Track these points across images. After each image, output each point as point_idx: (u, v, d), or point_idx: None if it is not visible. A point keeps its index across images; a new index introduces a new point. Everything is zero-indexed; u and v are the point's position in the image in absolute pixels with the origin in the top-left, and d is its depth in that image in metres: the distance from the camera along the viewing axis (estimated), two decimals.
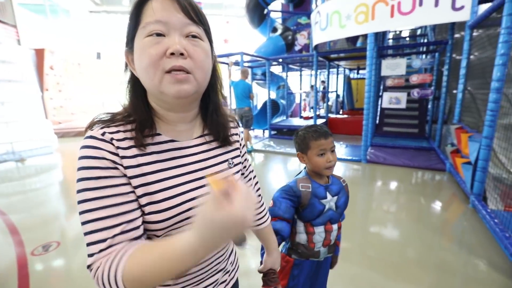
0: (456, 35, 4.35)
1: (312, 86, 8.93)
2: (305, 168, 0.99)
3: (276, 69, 9.06)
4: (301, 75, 9.14)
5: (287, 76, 7.94)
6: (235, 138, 0.64)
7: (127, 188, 0.45)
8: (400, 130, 5.83)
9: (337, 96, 9.67)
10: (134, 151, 0.46)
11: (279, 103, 7.40)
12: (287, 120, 7.74)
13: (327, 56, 6.10)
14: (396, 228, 2.30)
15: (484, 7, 3.81)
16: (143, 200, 0.46)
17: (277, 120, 7.55)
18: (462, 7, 3.08)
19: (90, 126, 0.47)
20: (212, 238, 0.35)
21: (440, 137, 4.58)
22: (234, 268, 0.69)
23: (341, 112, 9.38)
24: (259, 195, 0.76)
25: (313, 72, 5.46)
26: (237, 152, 0.63)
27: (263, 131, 7.17)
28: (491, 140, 2.34)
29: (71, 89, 7.51)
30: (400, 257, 1.86)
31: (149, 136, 0.49)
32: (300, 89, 9.28)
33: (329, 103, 9.33)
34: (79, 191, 0.42)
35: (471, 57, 3.45)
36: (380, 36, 5.41)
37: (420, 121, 5.78)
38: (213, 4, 14.09)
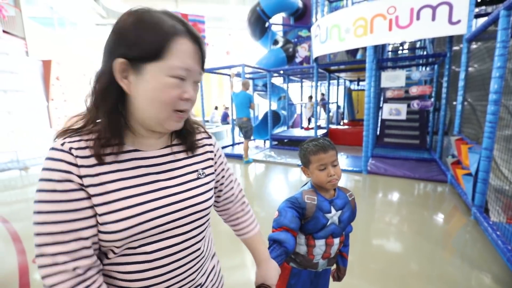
0: (455, 47, 4.44)
1: (310, 97, 8.97)
2: (310, 180, 0.98)
3: (277, 81, 9.20)
4: (301, 86, 9.25)
5: (288, 87, 8.04)
6: (207, 148, 0.63)
7: (83, 204, 0.44)
8: (401, 141, 5.84)
9: (338, 107, 9.75)
10: (94, 160, 0.46)
11: (280, 114, 7.47)
12: (288, 130, 7.78)
13: (327, 68, 6.21)
14: (398, 240, 2.28)
15: (481, 21, 3.90)
16: (102, 209, 0.45)
17: (278, 130, 7.59)
18: (458, 21, 3.16)
19: (56, 137, 0.47)
20: None
21: (441, 148, 4.59)
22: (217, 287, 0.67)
23: (342, 123, 9.43)
24: (244, 202, 0.75)
25: (314, 84, 5.54)
26: (209, 163, 0.63)
27: (264, 142, 7.21)
28: (491, 151, 2.35)
29: (76, 99, 7.64)
30: (401, 270, 1.85)
31: (112, 145, 0.48)
32: (301, 100, 9.37)
33: (330, 114, 9.39)
34: (35, 202, 0.43)
35: (471, 69, 3.50)
36: (380, 49, 5.51)
37: (421, 132, 5.80)
38: (215, 18, 14.44)
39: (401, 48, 9.05)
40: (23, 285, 1.71)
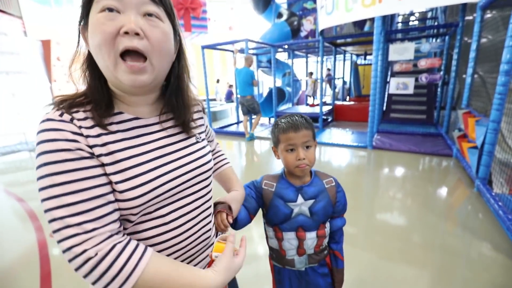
0: (469, 17, 4.22)
1: (310, 73, 8.71)
2: None
3: (282, 56, 8.95)
4: (307, 61, 9.01)
5: (292, 63, 7.84)
6: (198, 122, 0.65)
7: (98, 171, 0.44)
8: (408, 116, 5.77)
9: (344, 82, 9.54)
10: (98, 130, 0.45)
11: (285, 91, 7.36)
12: (293, 107, 7.70)
13: (333, 41, 6.00)
14: (401, 214, 2.33)
15: None
16: (117, 177, 0.45)
17: (283, 107, 7.53)
18: None
19: (48, 110, 0.45)
20: (228, 277, 0.49)
21: (448, 123, 4.53)
22: None
23: (347, 99, 9.27)
24: (220, 149, 0.83)
25: (320, 59, 5.38)
26: (202, 128, 0.66)
27: (269, 119, 7.18)
28: (498, 124, 2.32)
29: (79, 79, 7.58)
30: (405, 242, 1.90)
31: (111, 115, 0.48)
32: (306, 76, 9.17)
33: (336, 90, 9.22)
34: (42, 177, 0.40)
35: (484, 40, 3.35)
36: (388, 20, 5.27)
37: (428, 107, 5.69)
38: None
39: (411, 19, 8.64)
40: (43, 257, 1.82)
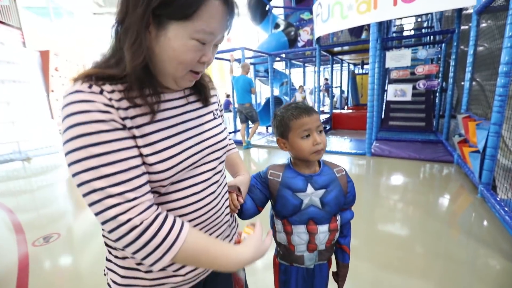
0: (464, 27, 4.23)
1: (300, 87, 8.61)
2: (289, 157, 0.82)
3: (280, 66, 9.01)
4: (304, 71, 9.06)
5: (290, 72, 7.87)
6: (214, 92, 0.67)
7: (131, 142, 0.45)
8: (407, 124, 5.72)
9: (342, 91, 9.56)
10: (126, 103, 0.45)
11: (282, 100, 7.35)
12: None
13: (330, 50, 6.02)
14: (403, 222, 2.22)
15: None
16: (147, 150, 0.46)
17: None
18: None
19: (75, 81, 0.44)
20: (256, 255, 0.51)
21: (448, 130, 4.47)
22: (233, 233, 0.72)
23: (345, 108, 9.27)
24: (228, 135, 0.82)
25: (317, 68, 5.38)
26: (215, 106, 0.66)
27: (267, 128, 7.14)
28: (500, 126, 2.25)
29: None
30: (407, 251, 1.79)
31: (145, 93, 0.48)
32: (304, 85, 9.20)
33: (334, 99, 9.23)
34: (76, 149, 0.40)
35: (480, 48, 3.34)
36: (384, 28, 5.30)
37: (427, 115, 5.66)
38: None
39: (407, 28, 8.75)
40: (22, 269, 1.71)
